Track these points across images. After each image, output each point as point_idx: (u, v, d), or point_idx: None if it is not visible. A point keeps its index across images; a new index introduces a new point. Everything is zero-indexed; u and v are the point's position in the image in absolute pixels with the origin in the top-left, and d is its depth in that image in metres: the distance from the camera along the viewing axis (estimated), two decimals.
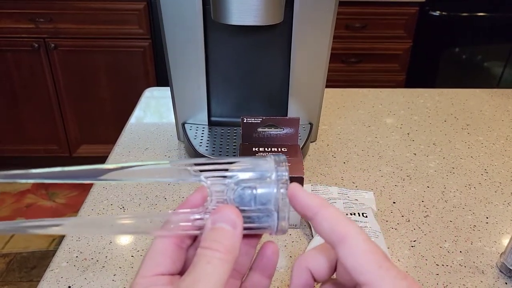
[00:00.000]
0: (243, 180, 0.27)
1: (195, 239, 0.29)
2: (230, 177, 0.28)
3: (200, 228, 0.27)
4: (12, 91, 1.92)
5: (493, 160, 0.73)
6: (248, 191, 0.27)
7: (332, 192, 0.61)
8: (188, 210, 0.28)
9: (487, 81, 2.05)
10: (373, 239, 0.51)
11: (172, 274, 0.27)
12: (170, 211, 0.28)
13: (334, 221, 0.26)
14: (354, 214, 0.55)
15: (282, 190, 0.27)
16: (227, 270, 0.25)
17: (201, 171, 0.28)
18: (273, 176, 0.28)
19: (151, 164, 0.29)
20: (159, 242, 0.27)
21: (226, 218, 0.26)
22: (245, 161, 0.28)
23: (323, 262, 0.28)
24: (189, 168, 0.28)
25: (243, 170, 0.28)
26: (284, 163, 0.28)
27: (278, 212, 0.27)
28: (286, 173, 0.28)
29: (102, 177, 0.27)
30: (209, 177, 0.28)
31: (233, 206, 0.27)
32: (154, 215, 0.28)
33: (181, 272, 0.27)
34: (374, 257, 0.25)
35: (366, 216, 0.55)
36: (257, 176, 0.28)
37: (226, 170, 0.28)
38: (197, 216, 0.27)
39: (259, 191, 0.27)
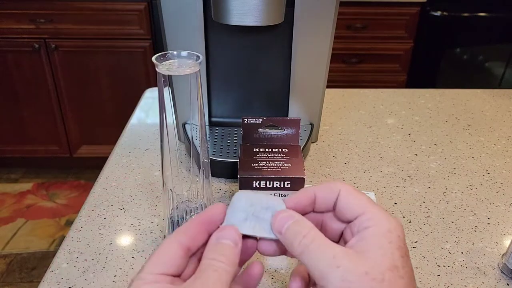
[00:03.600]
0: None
1: (196, 251, 0.32)
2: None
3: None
4: (13, 92, 1.92)
5: (494, 160, 0.73)
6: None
7: None
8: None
9: (489, 82, 2.04)
10: None
11: (173, 276, 0.29)
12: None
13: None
14: None
15: None
16: (229, 279, 0.29)
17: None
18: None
19: None
20: (168, 244, 0.30)
21: (229, 236, 0.31)
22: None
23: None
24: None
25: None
26: None
27: None
28: None
29: None
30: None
31: (236, 228, 0.32)
32: None
33: (181, 276, 0.30)
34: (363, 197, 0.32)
35: None
36: None
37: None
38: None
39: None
